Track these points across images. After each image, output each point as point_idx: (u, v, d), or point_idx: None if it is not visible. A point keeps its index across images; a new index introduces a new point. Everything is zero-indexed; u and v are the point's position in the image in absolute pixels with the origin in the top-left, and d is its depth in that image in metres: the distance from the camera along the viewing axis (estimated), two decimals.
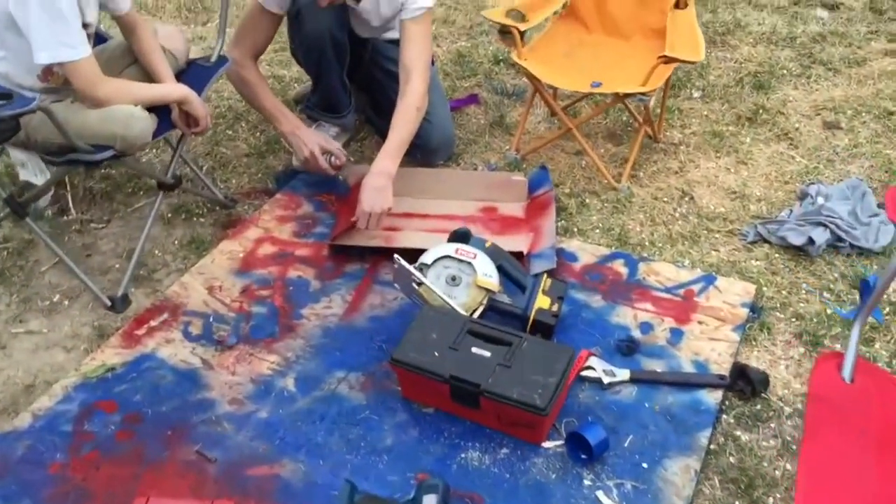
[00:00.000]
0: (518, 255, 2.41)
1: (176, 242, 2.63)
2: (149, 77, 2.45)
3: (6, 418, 2.07)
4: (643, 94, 2.65)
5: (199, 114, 2.38)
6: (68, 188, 2.83)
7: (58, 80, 2.26)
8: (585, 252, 2.54)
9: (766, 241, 2.57)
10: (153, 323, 2.34)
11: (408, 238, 2.57)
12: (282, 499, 1.85)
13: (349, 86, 2.93)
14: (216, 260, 2.55)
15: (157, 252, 2.61)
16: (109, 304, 2.40)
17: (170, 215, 2.75)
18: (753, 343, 2.23)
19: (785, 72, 3.37)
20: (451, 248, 2.26)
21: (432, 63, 3.18)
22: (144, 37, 2.44)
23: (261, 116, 3.22)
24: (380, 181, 2.48)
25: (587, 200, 2.76)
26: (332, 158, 2.76)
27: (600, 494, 1.84)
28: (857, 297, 2.35)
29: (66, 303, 2.43)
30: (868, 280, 1.96)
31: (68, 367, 2.22)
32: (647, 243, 2.59)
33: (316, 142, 2.75)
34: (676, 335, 2.24)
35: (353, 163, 2.93)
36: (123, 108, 2.21)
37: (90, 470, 1.93)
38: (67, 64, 2.13)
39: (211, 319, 2.35)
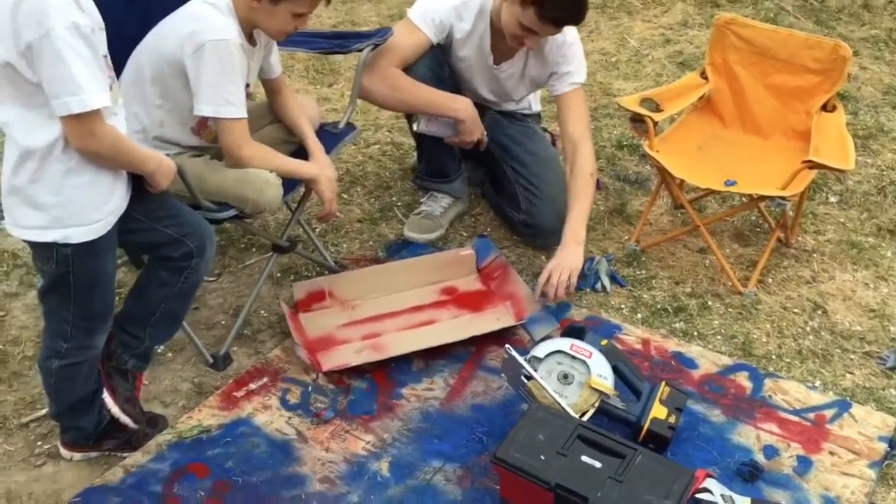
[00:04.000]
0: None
1: (284, 304, 2.60)
2: (286, 135, 2.47)
3: (98, 470, 2.04)
4: (782, 198, 2.50)
5: (324, 197, 2.37)
6: None
7: (209, 136, 2.28)
8: (706, 360, 2.37)
9: None
10: (252, 386, 2.29)
11: (396, 342, 2.43)
12: None
13: (457, 151, 2.90)
14: None
15: (262, 312, 2.59)
16: (211, 361, 2.38)
17: (279, 275, 2.73)
18: (891, 483, 2.02)
19: None
20: (566, 344, 2.15)
21: (553, 143, 3.12)
22: (288, 97, 2.48)
23: (378, 181, 3.22)
24: (577, 248, 2.54)
25: (709, 303, 2.60)
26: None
27: None
28: None
29: (170, 355, 2.42)
30: None
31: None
32: (773, 357, 2.40)
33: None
34: (804, 464, 2.05)
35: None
36: (260, 174, 2.21)
37: None
38: (225, 121, 2.16)
39: (309, 389, 2.29)
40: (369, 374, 2.34)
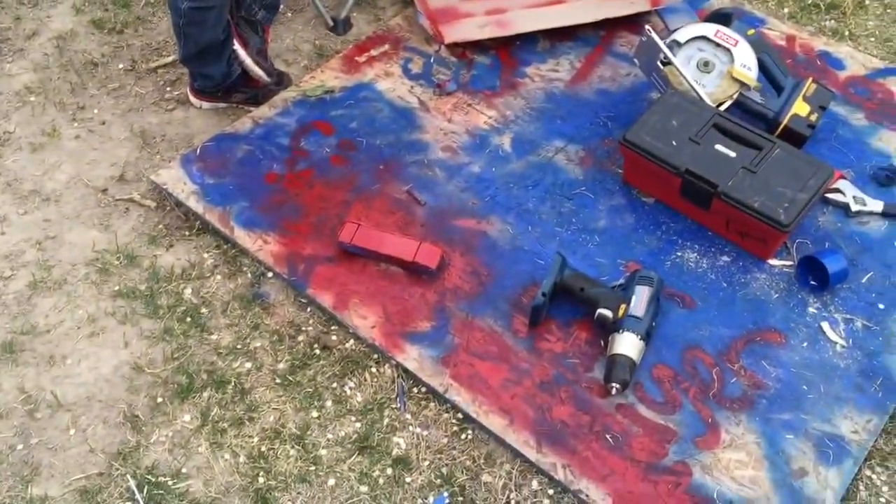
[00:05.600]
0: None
1: None
2: None
3: (227, 120, 2.08)
4: None
5: None
6: None
7: None
8: (855, 61, 2.20)
9: None
10: (374, 52, 2.24)
11: (522, 19, 2.27)
12: (487, 256, 1.81)
13: None
14: None
15: None
16: (332, 24, 2.32)
17: None
18: None
19: None
20: (710, 30, 2.00)
21: None
22: None
23: None
24: None
25: (867, 2, 2.37)
26: None
27: (825, 326, 1.69)
28: None
29: (290, 15, 2.36)
30: None
31: None
32: None
33: None
34: None
35: None
36: None
37: (304, 186, 1.93)
38: None
39: (432, 60, 2.22)
40: (493, 51, 2.25)
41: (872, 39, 2.28)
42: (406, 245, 1.78)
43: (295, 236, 1.83)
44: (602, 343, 1.65)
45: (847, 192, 1.90)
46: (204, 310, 1.71)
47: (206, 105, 2.10)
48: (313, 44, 2.28)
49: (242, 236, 1.83)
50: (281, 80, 2.13)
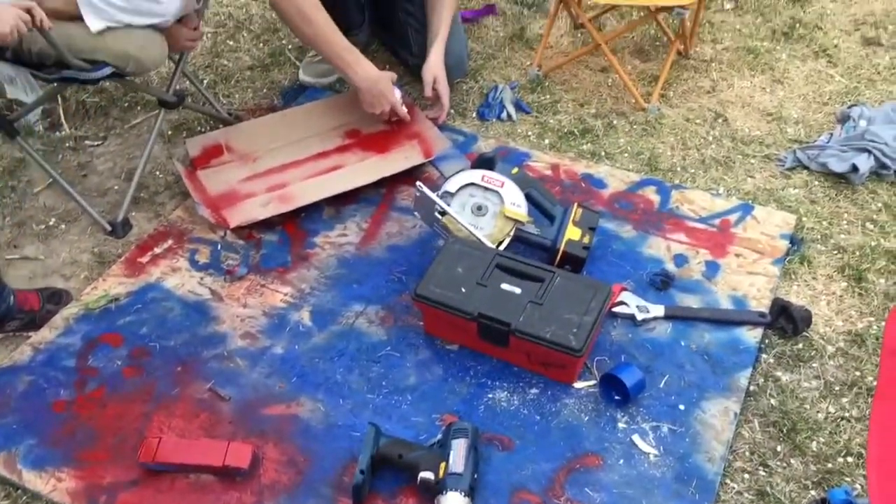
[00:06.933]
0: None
1: (178, 163, 2.46)
2: None
3: (4, 352, 1.95)
4: (682, 6, 2.45)
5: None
6: (60, 101, 2.64)
7: None
8: (614, 178, 2.39)
9: (804, 167, 2.42)
10: (157, 250, 2.20)
11: (304, 191, 2.33)
12: (302, 440, 1.76)
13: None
14: None
15: (158, 173, 2.45)
16: (109, 228, 2.26)
17: (170, 133, 2.57)
18: (793, 277, 2.12)
19: None
20: (477, 176, 2.11)
21: None
22: None
23: (264, 25, 3.02)
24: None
25: (614, 122, 2.60)
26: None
27: (636, 438, 1.75)
28: None
29: (63, 227, 2.29)
30: None
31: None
32: (678, 168, 2.44)
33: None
34: (712, 268, 2.12)
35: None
36: (141, 30, 2.02)
37: (97, 408, 1.82)
38: None
39: (219, 247, 2.21)
40: (280, 227, 2.27)
41: (626, 155, 2.49)
42: (213, 449, 1.70)
43: (92, 465, 1.71)
44: None
45: (631, 302, 2.01)
46: None
47: None
48: (92, 252, 2.21)
49: (32, 479, 1.68)
50: (59, 298, 2.04)
